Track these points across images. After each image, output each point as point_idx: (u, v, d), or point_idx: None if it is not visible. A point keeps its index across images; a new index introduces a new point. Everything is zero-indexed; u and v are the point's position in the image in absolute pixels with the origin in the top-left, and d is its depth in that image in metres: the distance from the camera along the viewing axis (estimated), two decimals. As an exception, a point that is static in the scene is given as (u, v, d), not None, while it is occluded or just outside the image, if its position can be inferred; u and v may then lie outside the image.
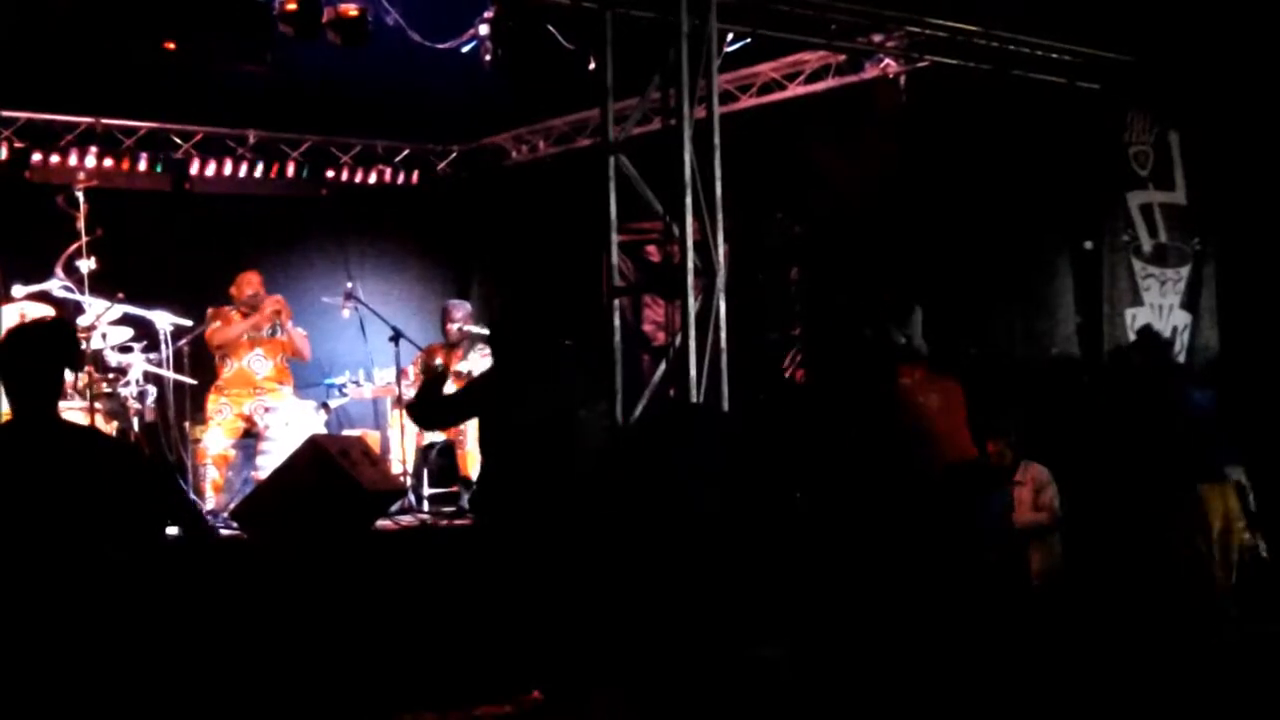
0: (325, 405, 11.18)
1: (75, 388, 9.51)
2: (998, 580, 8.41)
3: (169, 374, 10.07)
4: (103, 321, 9.68)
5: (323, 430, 10.77)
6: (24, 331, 5.29)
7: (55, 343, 5.17)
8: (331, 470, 8.89)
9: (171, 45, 9.60)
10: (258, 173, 13.39)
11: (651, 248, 12.09)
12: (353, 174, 14.05)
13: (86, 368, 9.36)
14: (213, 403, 10.54)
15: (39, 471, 4.88)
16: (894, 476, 7.98)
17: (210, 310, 10.68)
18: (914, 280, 10.86)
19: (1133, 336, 11.44)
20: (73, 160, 12.16)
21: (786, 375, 11.56)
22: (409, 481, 10.68)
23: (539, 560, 7.20)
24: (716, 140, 9.44)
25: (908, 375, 8.24)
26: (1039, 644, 7.99)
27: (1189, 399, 9.00)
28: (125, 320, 9.97)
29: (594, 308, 9.96)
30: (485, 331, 10.62)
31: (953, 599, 7.62)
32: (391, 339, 10.76)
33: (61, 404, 9.24)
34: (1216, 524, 8.72)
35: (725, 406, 9.32)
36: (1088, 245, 11.68)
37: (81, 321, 9.67)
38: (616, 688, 7.04)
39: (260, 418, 10.46)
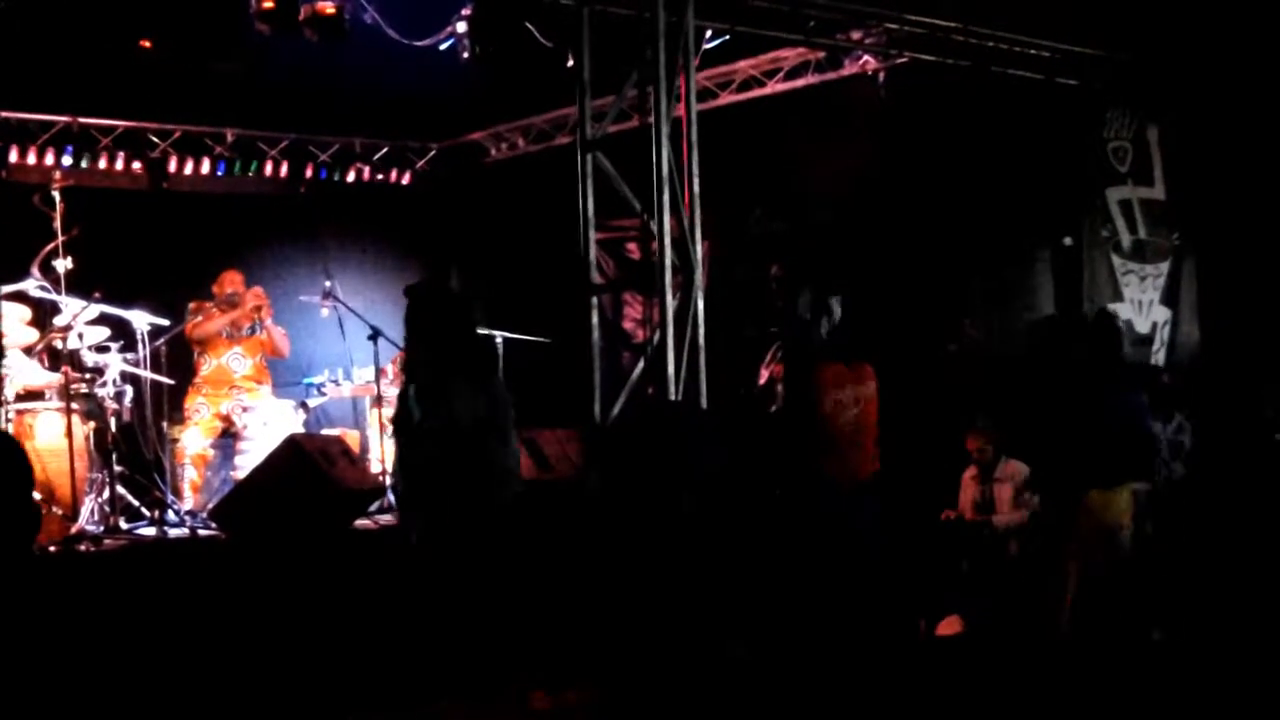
0: (304, 404, 11.16)
1: (52, 387, 9.49)
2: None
3: (146, 374, 10.03)
4: (79, 321, 9.65)
5: (301, 429, 10.74)
6: None
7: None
8: (310, 469, 8.88)
9: (148, 43, 9.57)
10: (235, 171, 13.34)
11: (632, 245, 12.08)
12: (331, 172, 14.02)
13: (63, 368, 9.34)
14: (191, 402, 10.51)
15: None
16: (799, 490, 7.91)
17: (192, 304, 10.67)
18: (892, 275, 10.88)
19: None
20: (49, 159, 12.11)
21: (765, 373, 11.53)
22: (388, 480, 10.65)
23: (488, 561, 7.16)
24: (694, 137, 9.43)
25: (827, 375, 8.08)
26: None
27: (1115, 398, 8.84)
28: (102, 320, 9.93)
29: (573, 305, 9.94)
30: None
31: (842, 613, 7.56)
32: (370, 338, 10.75)
33: (39, 404, 9.33)
34: (1096, 529, 8.49)
35: (704, 404, 9.31)
36: (1067, 241, 11.71)
37: (58, 321, 9.65)
38: (591, 685, 7.02)
39: (238, 417, 10.43)
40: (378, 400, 10.94)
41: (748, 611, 7.49)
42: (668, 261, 9.26)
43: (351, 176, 14.21)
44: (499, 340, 11.21)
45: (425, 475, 7.08)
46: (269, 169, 13.58)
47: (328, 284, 11.32)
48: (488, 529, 7.04)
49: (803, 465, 7.94)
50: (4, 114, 11.93)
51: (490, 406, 7.15)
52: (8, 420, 9.15)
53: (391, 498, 10.58)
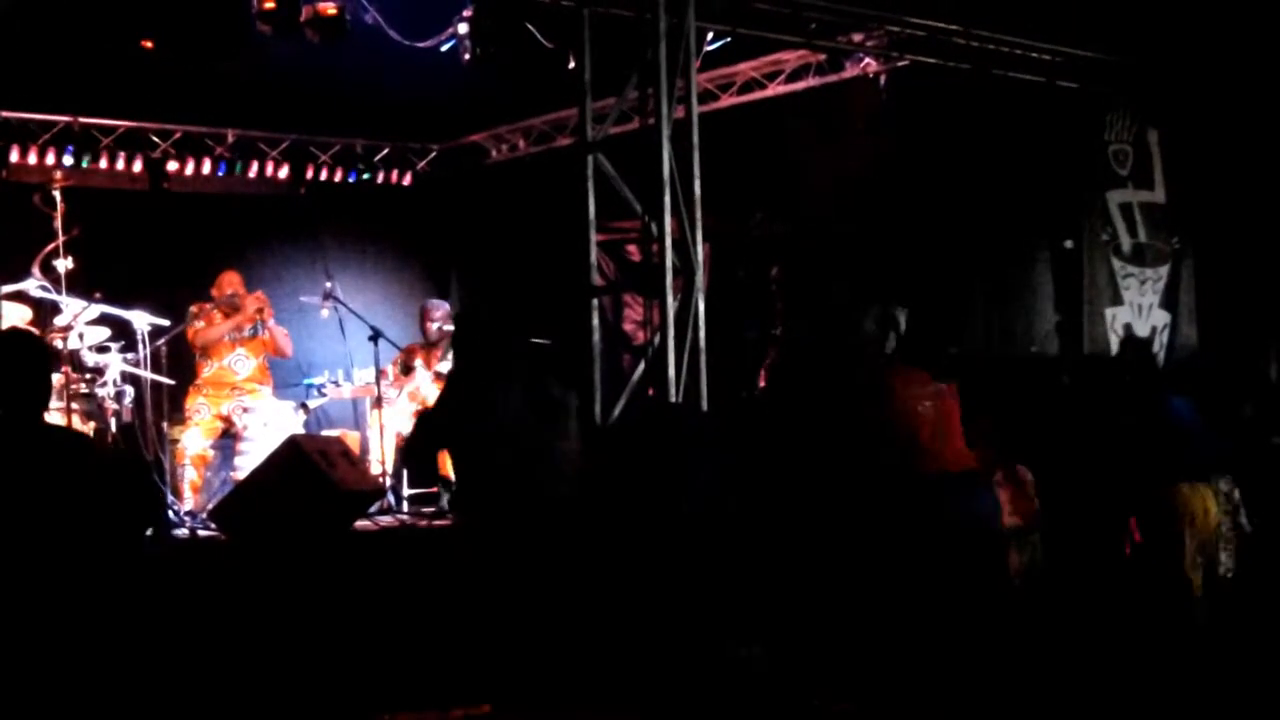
0: (304, 405, 11.14)
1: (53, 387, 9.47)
2: (976, 581, 8.37)
3: (147, 374, 10.03)
4: (80, 321, 9.64)
5: (301, 430, 10.73)
6: (10, 339, 5.34)
7: (41, 350, 5.23)
8: (310, 471, 8.86)
9: (149, 44, 9.56)
10: (236, 172, 13.33)
11: (632, 247, 12.06)
12: (332, 173, 14.01)
13: (63, 368, 9.33)
14: (191, 403, 10.51)
15: (28, 477, 4.90)
16: (886, 483, 7.91)
17: (193, 307, 10.65)
18: (893, 278, 10.86)
19: (1113, 335, 11.47)
20: (50, 159, 12.11)
21: (764, 378, 11.53)
22: (388, 482, 10.64)
23: (519, 562, 7.17)
24: (695, 139, 9.43)
25: (902, 379, 8.12)
26: (1015, 643, 7.98)
27: (1169, 402, 8.97)
28: (102, 320, 9.93)
29: (574, 307, 9.94)
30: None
31: (935, 602, 7.58)
32: (371, 339, 10.75)
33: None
34: (1193, 524, 8.66)
35: (704, 406, 9.31)
36: (1067, 244, 11.71)
37: (58, 321, 9.64)
38: (601, 691, 7.03)
39: (239, 418, 10.43)
40: (378, 401, 10.93)
41: (762, 614, 7.49)
42: (668, 263, 9.26)
43: (352, 177, 14.19)
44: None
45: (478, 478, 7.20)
46: (269, 170, 13.57)
47: (328, 285, 11.31)
48: (541, 528, 7.10)
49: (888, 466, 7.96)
50: (5, 114, 11.94)
51: (537, 409, 7.26)
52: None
53: (392, 498, 10.60)
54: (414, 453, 8.32)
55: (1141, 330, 11.79)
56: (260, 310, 10.64)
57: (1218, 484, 8.87)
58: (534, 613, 7.17)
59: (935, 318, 10.91)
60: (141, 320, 9.96)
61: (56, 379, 9.38)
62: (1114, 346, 11.52)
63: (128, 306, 9.98)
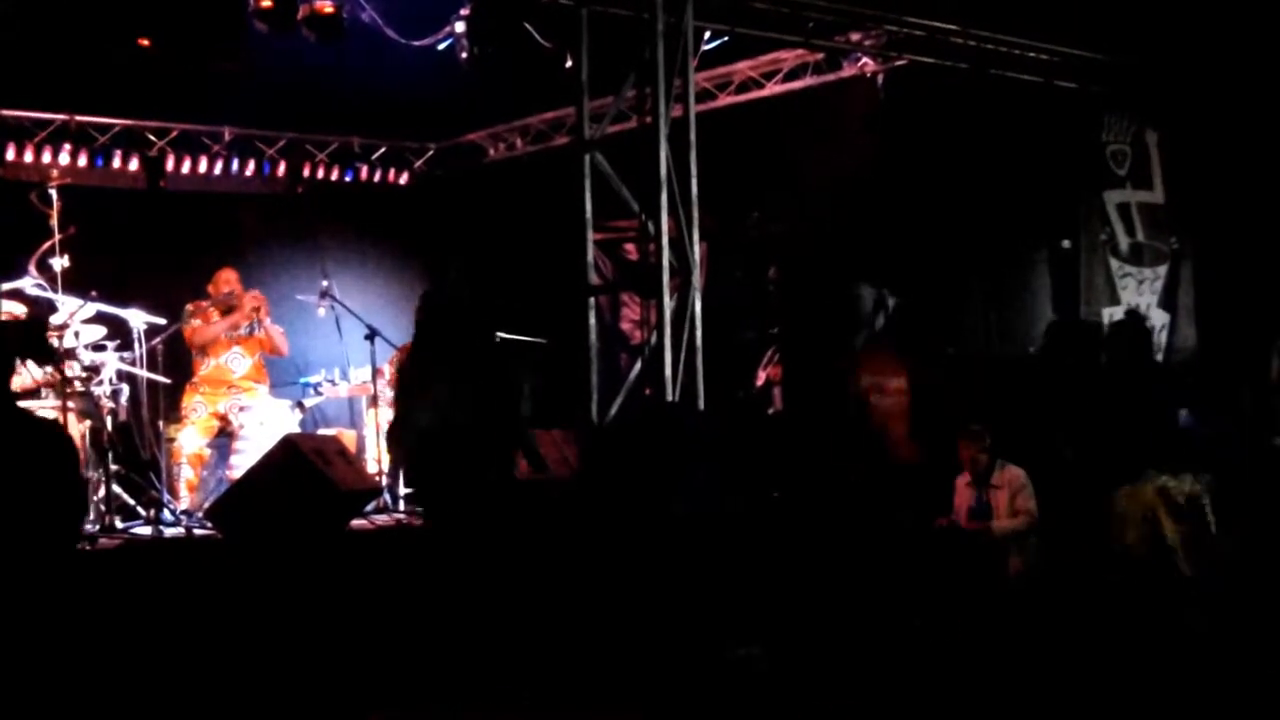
0: (300, 404, 11.12)
1: (49, 385, 9.46)
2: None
3: (143, 372, 10.01)
4: (76, 320, 9.61)
5: (298, 429, 10.72)
6: None
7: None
8: (306, 469, 8.85)
9: (146, 42, 9.55)
10: (233, 170, 13.32)
11: (630, 246, 12.06)
12: (329, 171, 14.00)
13: (61, 364, 9.31)
14: (187, 401, 10.49)
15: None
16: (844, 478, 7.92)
17: (189, 306, 10.62)
18: (890, 278, 10.87)
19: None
20: (46, 157, 12.10)
21: (763, 375, 11.53)
22: (384, 481, 10.63)
23: (498, 560, 7.16)
24: (693, 138, 9.42)
25: (870, 369, 8.11)
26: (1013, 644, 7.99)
27: (1149, 395, 8.89)
28: (98, 318, 9.89)
29: (571, 306, 9.93)
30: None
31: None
32: (367, 337, 10.73)
33: (35, 402, 9.30)
34: (1135, 524, 8.52)
35: (701, 405, 9.30)
36: (1065, 244, 11.72)
37: (54, 320, 9.60)
38: (598, 690, 7.02)
39: (235, 416, 10.40)
40: (374, 400, 10.92)
41: (764, 613, 7.49)
42: (665, 262, 9.25)
43: (349, 176, 14.18)
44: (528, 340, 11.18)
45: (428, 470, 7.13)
46: (266, 168, 13.55)
47: (325, 283, 11.28)
48: (485, 521, 7.05)
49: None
50: (1, 112, 11.91)
51: (481, 404, 7.15)
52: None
53: (388, 497, 10.59)
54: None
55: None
56: (257, 309, 10.62)
57: (1180, 483, 8.77)
58: (530, 612, 7.18)
59: (933, 317, 10.93)
60: (138, 319, 9.94)
61: (49, 374, 9.38)
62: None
63: (124, 305, 9.95)
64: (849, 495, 8.08)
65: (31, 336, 5.18)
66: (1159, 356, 11.92)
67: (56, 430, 6.71)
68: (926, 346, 11.02)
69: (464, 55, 9.81)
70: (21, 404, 9.34)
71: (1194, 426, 9.07)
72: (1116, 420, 8.74)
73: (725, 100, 11.96)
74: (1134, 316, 11.30)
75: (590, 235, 9.69)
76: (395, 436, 8.15)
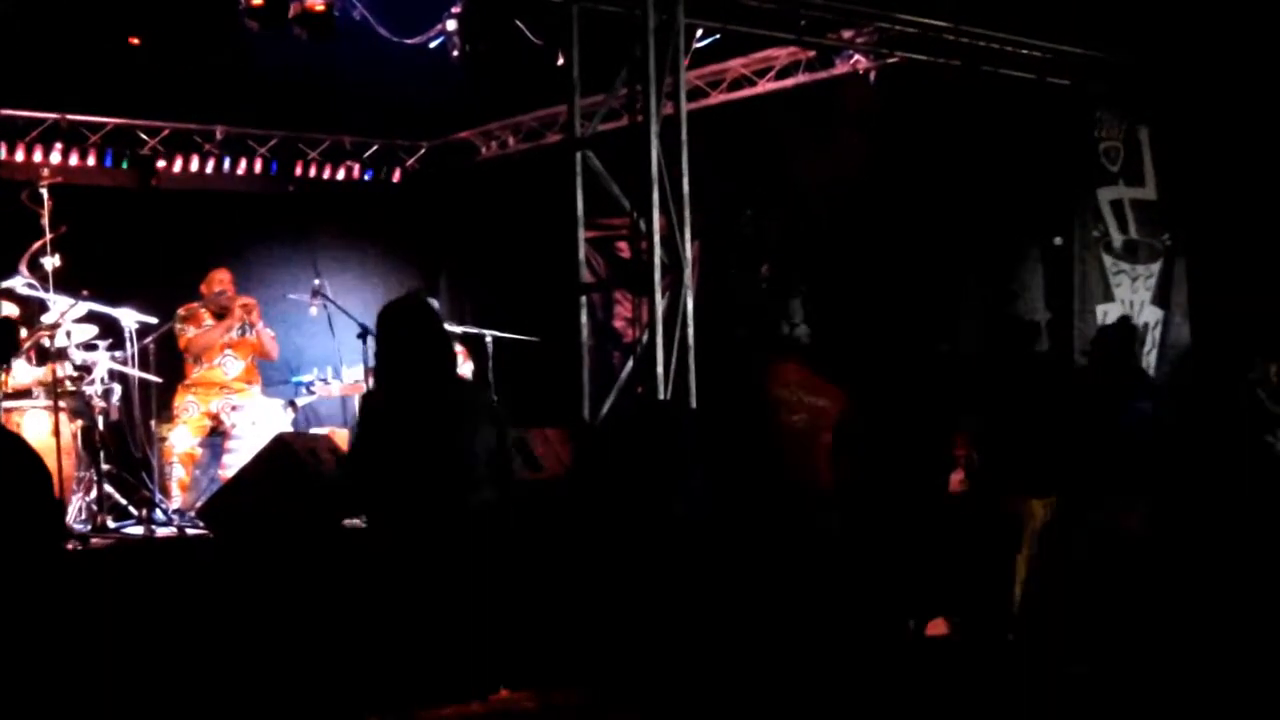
0: (293, 403, 11.11)
1: (41, 385, 9.45)
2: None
3: (134, 372, 9.99)
4: (67, 319, 9.59)
5: (290, 428, 10.71)
6: None
7: None
8: (298, 468, 8.84)
9: (137, 40, 9.54)
10: (225, 169, 13.31)
11: (623, 244, 12.05)
12: (321, 170, 13.99)
13: (50, 365, 9.30)
14: (180, 400, 10.47)
15: None
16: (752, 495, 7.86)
17: (181, 310, 10.59)
18: (883, 275, 10.86)
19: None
20: (37, 156, 12.08)
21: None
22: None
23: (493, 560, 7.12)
24: (684, 136, 9.41)
25: (784, 379, 8.01)
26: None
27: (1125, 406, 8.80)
28: (90, 318, 9.88)
29: (563, 304, 9.93)
30: (455, 329, 10.59)
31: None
32: (360, 336, 10.69)
33: (26, 402, 9.29)
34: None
35: (693, 404, 9.29)
36: (1058, 241, 11.70)
37: (46, 319, 9.59)
38: (586, 688, 7.00)
39: (227, 416, 10.40)
40: (367, 399, 10.89)
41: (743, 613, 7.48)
42: (657, 260, 9.24)
43: (341, 174, 14.18)
44: (488, 340, 11.15)
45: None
46: (258, 166, 13.54)
47: (317, 282, 11.26)
48: (456, 534, 6.98)
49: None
50: (-9, 110, 11.92)
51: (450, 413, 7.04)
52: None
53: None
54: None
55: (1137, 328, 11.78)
56: (248, 312, 10.61)
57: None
58: (526, 611, 7.16)
59: (926, 315, 10.92)
60: (129, 318, 9.92)
61: (43, 375, 9.37)
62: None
63: (115, 304, 9.93)
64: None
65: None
66: (1153, 354, 11.92)
67: (21, 446, 6.67)
68: (919, 344, 11.02)
69: (455, 53, 9.81)
70: (14, 404, 9.38)
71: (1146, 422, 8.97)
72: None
73: (717, 98, 11.95)
74: (1123, 323, 11.28)
75: (582, 233, 9.69)
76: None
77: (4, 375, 9.12)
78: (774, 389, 7.87)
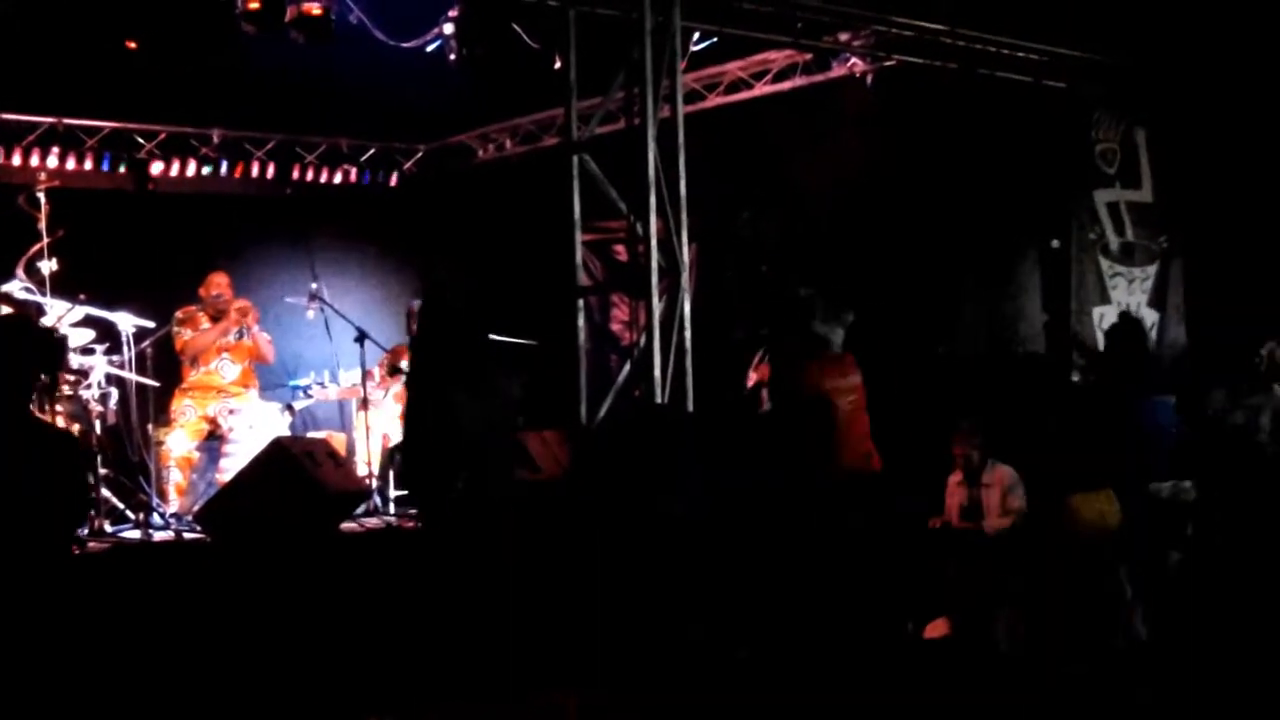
0: (290, 407, 11.11)
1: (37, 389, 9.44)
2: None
3: (131, 376, 9.99)
4: (64, 323, 9.60)
5: (287, 432, 10.71)
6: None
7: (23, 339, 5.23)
8: (295, 472, 8.84)
9: (133, 44, 9.53)
10: (222, 172, 13.30)
11: (620, 247, 12.06)
12: (318, 173, 13.98)
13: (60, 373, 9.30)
14: (177, 405, 10.47)
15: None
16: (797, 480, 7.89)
17: (178, 313, 10.59)
18: (881, 278, 10.86)
19: (1100, 335, 11.44)
20: (34, 160, 12.06)
21: (753, 376, 11.52)
22: (374, 483, 10.62)
23: (491, 560, 7.15)
24: (681, 139, 9.42)
25: (825, 377, 8.08)
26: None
27: (1142, 403, 8.82)
28: (87, 322, 9.89)
29: (560, 306, 9.93)
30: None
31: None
32: (357, 340, 10.71)
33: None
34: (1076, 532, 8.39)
35: (690, 406, 9.29)
36: (1055, 243, 11.71)
37: (43, 323, 9.58)
38: (583, 688, 7.01)
39: (224, 420, 10.39)
40: (364, 403, 10.90)
41: (743, 610, 7.48)
42: (654, 263, 9.24)
43: (338, 178, 14.17)
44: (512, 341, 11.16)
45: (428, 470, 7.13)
46: (255, 170, 13.53)
47: (314, 286, 11.26)
48: (483, 524, 7.04)
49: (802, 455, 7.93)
50: (-11, 114, 11.91)
51: (488, 407, 7.17)
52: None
53: (378, 500, 10.58)
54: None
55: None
56: (244, 316, 10.60)
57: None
58: (523, 611, 7.17)
59: (923, 317, 10.92)
60: (126, 322, 9.92)
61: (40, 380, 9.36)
62: (1101, 346, 11.50)
63: (112, 308, 9.94)
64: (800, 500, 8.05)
65: (48, 351, 5.25)
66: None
67: (68, 438, 6.73)
68: (916, 346, 11.03)
69: (452, 56, 9.79)
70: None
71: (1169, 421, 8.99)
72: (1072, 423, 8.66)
73: (714, 101, 11.95)
74: (1126, 319, 11.28)
75: (579, 236, 9.69)
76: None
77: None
78: (825, 383, 7.97)
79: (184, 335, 10.48)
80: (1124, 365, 8.96)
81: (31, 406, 9.06)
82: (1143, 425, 8.44)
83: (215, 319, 10.58)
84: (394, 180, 14.73)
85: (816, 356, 8.09)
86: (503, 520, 7.22)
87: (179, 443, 10.34)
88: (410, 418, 7.53)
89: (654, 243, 9.22)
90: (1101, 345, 11.54)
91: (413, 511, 10.00)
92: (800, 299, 8.25)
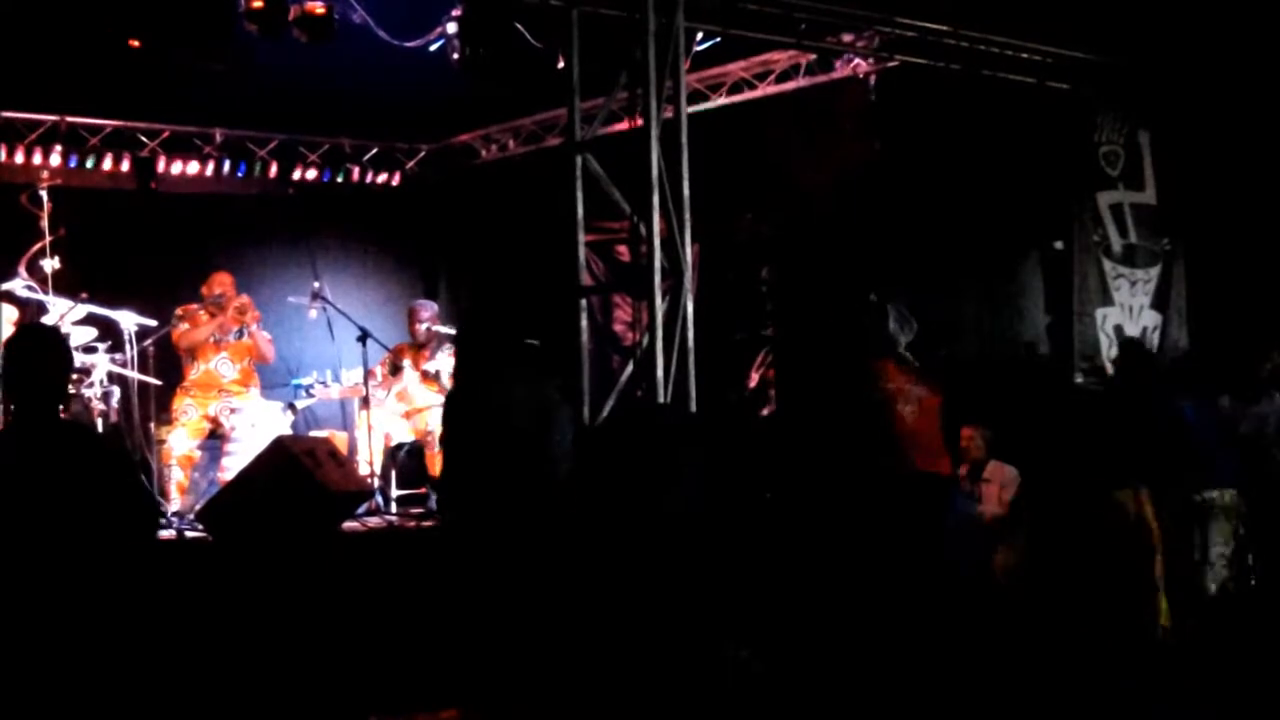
0: (292, 406, 11.11)
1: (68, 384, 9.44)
2: (962, 590, 8.36)
3: (133, 374, 10.00)
4: (66, 322, 9.62)
5: (289, 431, 10.71)
6: (29, 334, 5.38)
7: (63, 347, 5.28)
8: (297, 472, 8.83)
9: (136, 43, 9.53)
10: (224, 171, 13.31)
11: (622, 247, 12.05)
12: (320, 173, 13.98)
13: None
14: (178, 403, 10.47)
15: (45, 473, 4.91)
16: (864, 481, 7.93)
17: (178, 310, 10.61)
18: (884, 279, 10.84)
19: (1103, 337, 11.44)
20: (37, 159, 12.08)
21: (755, 376, 11.53)
22: (376, 483, 10.62)
23: (505, 564, 7.14)
24: (684, 139, 9.41)
25: (893, 378, 8.16)
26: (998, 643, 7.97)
27: (1172, 406, 8.87)
28: (89, 320, 9.90)
29: (563, 307, 9.92)
30: (453, 331, 10.59)
31: (915, 607, 7.58)
32: (359, 339, 10.71)
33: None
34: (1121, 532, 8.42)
35: (693, 407, 9.28)
36: (1058, 245, 11.70)
37: (45, 322, 9.59)
38: (592, 692, 7.00)
39: (226, 419, 10.40)
40: (366, 402, 10.90)
41: (753, 614, 7.48)
42: (657, 264, 9.23)
43: (341, 177, 14.16)
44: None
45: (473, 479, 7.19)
46: (258, 169, 13.53)
47: (316, 285, 11.27)
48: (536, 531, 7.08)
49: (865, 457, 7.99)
50: (-9, 113, 11.91)
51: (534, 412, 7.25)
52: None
53: (380, 499, 10.58)
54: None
55: (1132, 331, 11.77)
56: (243, 312, 10.60)
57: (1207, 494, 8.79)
58: (524, 614, 7.15)
59: (926, 319, 10.91)
60: (128, 320, 9.93)
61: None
62: (1104, 348, 11.50)
63: (114, 307, 9.95)
64: (848, 500, 8.08)
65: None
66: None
67: (110, 445, 6.76)
68: (918, 347, 11.02)
69: (455, 56, 9.78)
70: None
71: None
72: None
73: (717, 101, 11.94)
74: (1127, 338, 11.32)
75: (582, 236, 9.68)
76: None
77: None
78: (883, 384, 8.03)
79: (180, 328, 10.49)
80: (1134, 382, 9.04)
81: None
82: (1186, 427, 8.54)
83: (214, 317, 10.59)
84: (396, 180, 14.72)
85: (889, 358, 8.16)
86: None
87: (180, 441, 10.35)
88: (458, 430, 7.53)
89: (657, 243, 9.21)
90: (1103, 346, 11.56)
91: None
92: (873, 304, 8.30)
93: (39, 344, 5.23)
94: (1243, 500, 8.92)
